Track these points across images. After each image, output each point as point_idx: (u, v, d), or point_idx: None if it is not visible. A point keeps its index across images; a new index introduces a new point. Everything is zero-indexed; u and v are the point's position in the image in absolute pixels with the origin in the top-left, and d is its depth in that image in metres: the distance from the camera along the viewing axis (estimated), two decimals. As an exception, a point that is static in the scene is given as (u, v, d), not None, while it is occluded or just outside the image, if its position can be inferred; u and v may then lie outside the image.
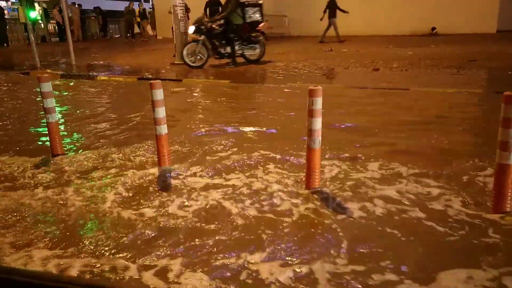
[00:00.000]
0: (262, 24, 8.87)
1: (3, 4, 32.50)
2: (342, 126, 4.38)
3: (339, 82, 6.75)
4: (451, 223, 2.36)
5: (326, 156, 3.37)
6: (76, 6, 18.90)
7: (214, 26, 8.53)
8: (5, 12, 19.52)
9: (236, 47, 8.73)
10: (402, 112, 4.96)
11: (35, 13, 18.52)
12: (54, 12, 18.85)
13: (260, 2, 9.03)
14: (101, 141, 4.11)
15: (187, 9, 12.95)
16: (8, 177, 3.23)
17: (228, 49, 8.67)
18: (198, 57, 8.62)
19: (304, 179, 2.89)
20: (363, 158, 3.38)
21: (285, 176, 3.09)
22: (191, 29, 8.75)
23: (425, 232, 2.30)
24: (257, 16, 8.82)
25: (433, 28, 15.25)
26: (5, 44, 16.24)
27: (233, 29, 8.52)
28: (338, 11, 13.28)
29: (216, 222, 2.45)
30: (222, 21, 8.63)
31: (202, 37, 8.47)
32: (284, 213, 2.54)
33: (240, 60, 8.95)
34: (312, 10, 18.17)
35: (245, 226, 2.41)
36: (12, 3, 36.71)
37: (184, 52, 8.62)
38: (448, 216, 2.45)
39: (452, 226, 2.32)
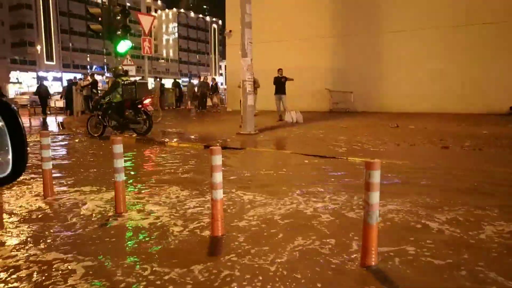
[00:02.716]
0: (148, 101, 9.96)
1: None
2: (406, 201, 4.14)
3: (403, 158, 6.53)
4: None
5: (388, 229, 3.17)
6: (158, 79, 21.85)
7: (104, 103, 9.96)
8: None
9: (121, 120, 9.94)
10: (466, 193, 4.58)
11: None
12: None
13: (134, 80, 10.42)
14: (161, 201, 4.30)
15: (256, 84, 13.78)
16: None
17: (112, 122, 10.00)
18: (97, 128, 10.24)
19: (359, 256, 2.72)
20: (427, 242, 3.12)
21: (336, 252, 2.93)
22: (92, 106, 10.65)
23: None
24: (133, 95, 9.86)
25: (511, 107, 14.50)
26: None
27: (112, 106, 9.88)
28: None
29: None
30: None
31: (98, 112, 10.16)
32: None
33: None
34: (378, 87, 18.35)
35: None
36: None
37: (88, 124, 10.41)
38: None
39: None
